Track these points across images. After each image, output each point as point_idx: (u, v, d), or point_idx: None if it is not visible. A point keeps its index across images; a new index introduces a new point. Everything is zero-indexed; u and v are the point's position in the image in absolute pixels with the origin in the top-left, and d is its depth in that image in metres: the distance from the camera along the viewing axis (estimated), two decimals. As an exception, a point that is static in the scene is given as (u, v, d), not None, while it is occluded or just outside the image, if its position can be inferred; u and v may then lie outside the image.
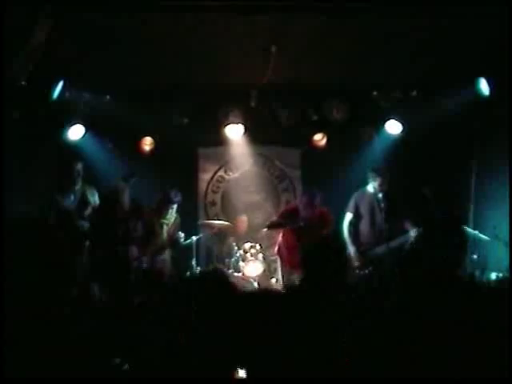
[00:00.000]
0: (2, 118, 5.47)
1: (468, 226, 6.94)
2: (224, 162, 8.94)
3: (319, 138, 8.38)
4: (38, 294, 2.60)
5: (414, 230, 6.66)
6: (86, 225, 6.80)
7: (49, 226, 6.63)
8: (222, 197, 8.97)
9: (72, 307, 2.79)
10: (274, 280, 7.88)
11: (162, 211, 7.00)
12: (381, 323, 2.74)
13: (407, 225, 6.76)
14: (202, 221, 8.30)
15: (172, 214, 7.06)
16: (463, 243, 7.10)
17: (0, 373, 2.26)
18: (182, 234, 7.13)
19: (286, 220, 7.07)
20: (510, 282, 3.13)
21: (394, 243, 6.73)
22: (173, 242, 7.12)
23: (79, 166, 7.00)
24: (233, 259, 7.79)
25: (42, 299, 2.56)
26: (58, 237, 6.11)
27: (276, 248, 7.39)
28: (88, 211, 6.93)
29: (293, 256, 6.78)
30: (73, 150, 7.54)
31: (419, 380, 2.56)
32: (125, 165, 7.52)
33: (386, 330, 2.69)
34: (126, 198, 6.50)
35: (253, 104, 7.86)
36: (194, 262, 7.46)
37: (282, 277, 7.26)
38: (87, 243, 6.50)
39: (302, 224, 6.83)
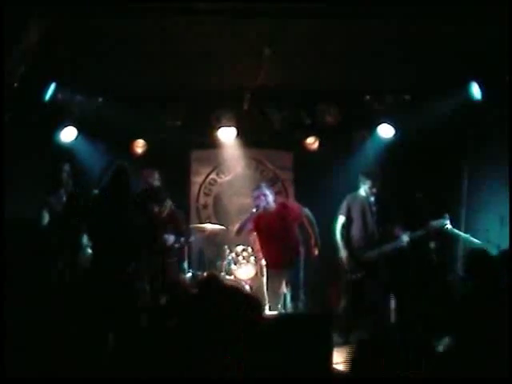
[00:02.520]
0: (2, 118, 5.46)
1: (460, 230, 6.94)
2: (216, 165, 8.94)
3: (312, 142, 8.40)
4: (36, 294, 2.60)
5: (406, 234, 6.66)
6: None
7: (43, 227, 6.63)
8: (214, 200, 8.97)
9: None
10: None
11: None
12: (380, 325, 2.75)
13: (398, 231, 6.76)
14: (194, 225, 8.24)
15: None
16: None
17: (0, 373, 2.25)
18: (170, 238, 6.86)
19: (241, 224, 7.07)
20: (510, 282, 3.13)
21: (386, 247, 6.73)
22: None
23: (67, 167, 6.97)
24: (225, 262, 7.77)
25: (40, 299, 2.55)
26: (52, 237, 6.10)
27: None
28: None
29: (266, 255, 6.93)
30: (61, 151, 7.52)
31: (419, 380, 2.56)
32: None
33: (385, 331, 2.70)
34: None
35: (245, 107, 7.87)
36: (185, 265, 7.44)
37: (267, 281, 7.10)
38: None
39: (254, 210, 6.82)
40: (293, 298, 6.70)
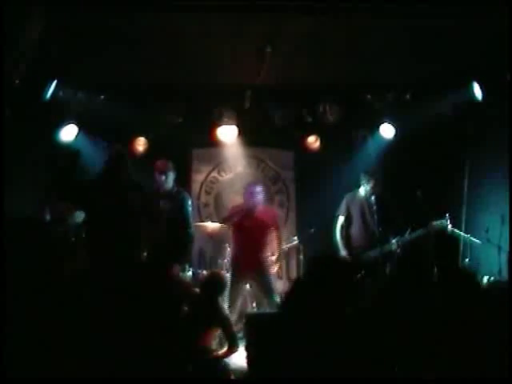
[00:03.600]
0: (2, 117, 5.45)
1: (460, 230, 6.94)
2: (217, 163, 8.93)
3: (313, 140, 8.39)
4: (37, 293, 2.59)
5: (396, 238, 6.67)
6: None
7: (45, 224, 6.62)
8: (215, 198, 8.96)
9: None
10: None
11: None
12: (380, 326, 2.75)
13: (391, 234, 6.77)
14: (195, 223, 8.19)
15: None
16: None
17: (0, 373, 2.25)
18: None
19: (232, 213, 6.98)
20: (510, 283, 3.13)
21: (386, 247, 6.73)
22: None
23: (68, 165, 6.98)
24: (225, 260, 7.76)
25: (40, 299, 2.54)
26: (54, 235, 6.08)
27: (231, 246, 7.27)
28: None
29: (237, 254, 6.85)
30: (64, 149, 7.52)
31: (420, 380, 2.57)
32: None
33: (386, 332, 2.70)
34: None
35: (247, 105, 7.86)
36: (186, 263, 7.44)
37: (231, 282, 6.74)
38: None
39: (246, 209, 6.76)
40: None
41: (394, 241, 6.68)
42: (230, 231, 7.18)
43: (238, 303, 6.76)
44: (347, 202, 7.07)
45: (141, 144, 8.23)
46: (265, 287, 6.74)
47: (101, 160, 7.53)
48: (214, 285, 5.43)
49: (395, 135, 7.85)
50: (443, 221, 6.57)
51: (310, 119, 8.03)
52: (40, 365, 2.35)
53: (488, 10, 5.35)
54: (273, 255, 6.89)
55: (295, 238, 7.93)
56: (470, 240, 6.81)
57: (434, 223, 6.58)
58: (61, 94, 7.26)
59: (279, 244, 6.93)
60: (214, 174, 8.97)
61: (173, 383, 3.07)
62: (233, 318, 6.01)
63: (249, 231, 6.74)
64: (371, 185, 6.87)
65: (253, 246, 6.73)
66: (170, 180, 6.63)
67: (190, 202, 6.75)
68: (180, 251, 6.48)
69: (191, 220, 6.74)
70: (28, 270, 2.68)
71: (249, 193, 6.83)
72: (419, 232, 6.66)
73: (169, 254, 6.22)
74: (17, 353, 2.32)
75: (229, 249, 7.84)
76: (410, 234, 6.66)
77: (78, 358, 2.46)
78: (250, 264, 6.71)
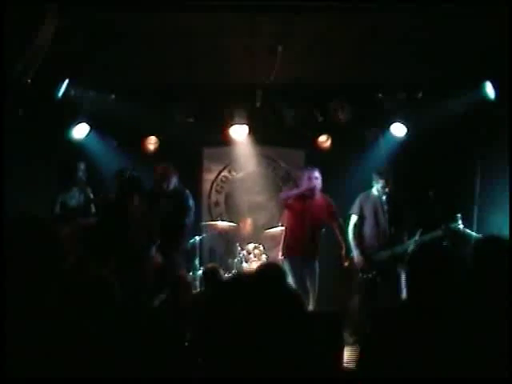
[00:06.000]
0: (3, 117, 5.46)
1: (472, 230, 6.89)
2: (228, 162, 8.94)
3: (324, 140, 8.37)
4: (41, 294, 2.60)
5: (417, 236, 6.63)
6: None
7: (54, 225, 6.62)
8: (226, 197, 8.98)
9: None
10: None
11: None
12: (383, 325, 2.75)
13: (409, 232, 6.74)
14: (205, 222, 8.22)
15: None
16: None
17: (0, 373, 2.25)
18: None
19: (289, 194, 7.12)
20: (510, 279, 3.10)
21: (398, 248, 6.71)
22: None
23: (82, 166, 7.01)
24: (236, 260, 7.78)
25: (43, 300, 2.54)
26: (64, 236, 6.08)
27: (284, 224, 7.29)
28: (92, 209, 6.92)
29: (291, 237, 6.90)
30: (77, 148, 7.56)
31: (420, 380, 2.56)
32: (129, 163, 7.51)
33: (389, 331, 2.69)
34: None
35: (258, 104, 7.86)
36: (197, 262, 7.47)
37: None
38: None
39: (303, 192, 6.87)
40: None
41: (412, 241, 6.63)
42: (284, 214, 7.30)
43: (308, 284, 6.76)
44: (361, 201, 7.05)
45: (151, 143, 8.26)
46: (313, 274, 6.79)
47: (111, 160, 7.61)
48: (212, 278, 5.44)
49: (407, 134, 7.81)
50: (457, 223, 6.51)
51: (321, 118, 8.00)
52: (40, 365, 2.36)
53: (502, 8, 5.31)
54: (341, 249, 6.94)
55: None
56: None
57: (450, 225, 6.53)
58: (72, 93, 7.28)
59: (342, 235, 6.96)
60: (225, 173, 8.98)
61: (174, 383, 3.07)
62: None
63: (305, 215, 6.83)
64: (382, 184, 6.85)
65: (307, 229, 6.82)
66: (171, 183, 6.68)
67: (191, 202, 6.77)
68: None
69: (188, 218, 6.74)
70: (30, 270, 2.69)
71: (307, 177, 6.90)
72: (435, 234, 6.61)
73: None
74: (17, 353, 2.34)
75: (239, 249, 7.85)
76: (422, 235, 6.61)
77: (78, 358, 2.46)
78: (302, 248, 6.79)
